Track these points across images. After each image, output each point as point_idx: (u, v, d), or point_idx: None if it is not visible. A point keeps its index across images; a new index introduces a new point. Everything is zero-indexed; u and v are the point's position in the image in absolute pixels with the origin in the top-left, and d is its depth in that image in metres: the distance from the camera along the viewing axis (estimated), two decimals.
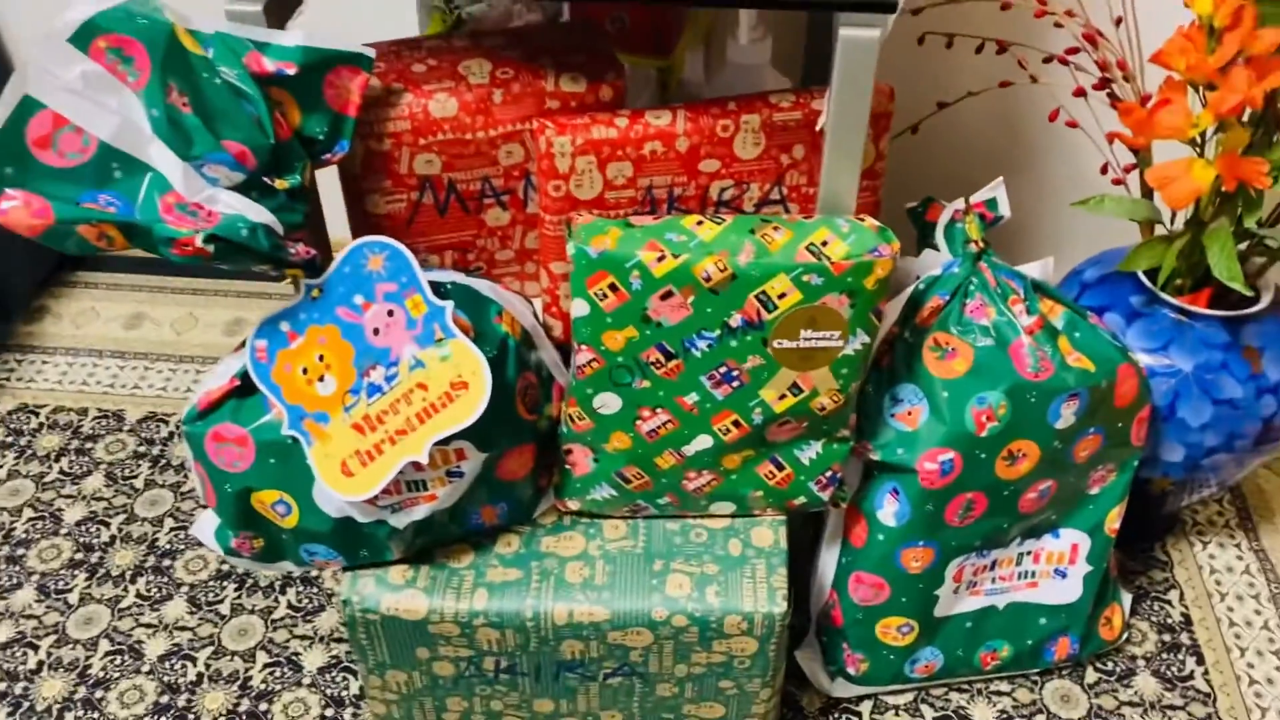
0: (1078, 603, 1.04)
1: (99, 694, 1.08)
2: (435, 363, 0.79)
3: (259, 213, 0.75)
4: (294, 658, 1.11)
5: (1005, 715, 1.07)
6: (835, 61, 0.75)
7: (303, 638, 1.13)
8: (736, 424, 0.85)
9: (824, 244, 0.79)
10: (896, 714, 1.07)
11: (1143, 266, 0.99)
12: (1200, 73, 0.87)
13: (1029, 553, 1.02)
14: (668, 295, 0.79)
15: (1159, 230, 1.03)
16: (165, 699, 1.08)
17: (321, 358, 0.80)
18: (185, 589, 1.17)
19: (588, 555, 0.91)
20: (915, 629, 1.00)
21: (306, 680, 1.09)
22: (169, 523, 1.24)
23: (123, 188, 0.72)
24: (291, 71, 0.78)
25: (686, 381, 0.83)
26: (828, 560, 1.01)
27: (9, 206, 0.69)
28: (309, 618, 1.15)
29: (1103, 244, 1.19)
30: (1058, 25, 1.00)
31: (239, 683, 1.09)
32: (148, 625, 1.14)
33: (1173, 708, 1.07)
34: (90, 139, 0.70)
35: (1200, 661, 1.11)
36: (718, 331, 0.81)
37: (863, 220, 0.81)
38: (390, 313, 0.79)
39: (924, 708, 1.07)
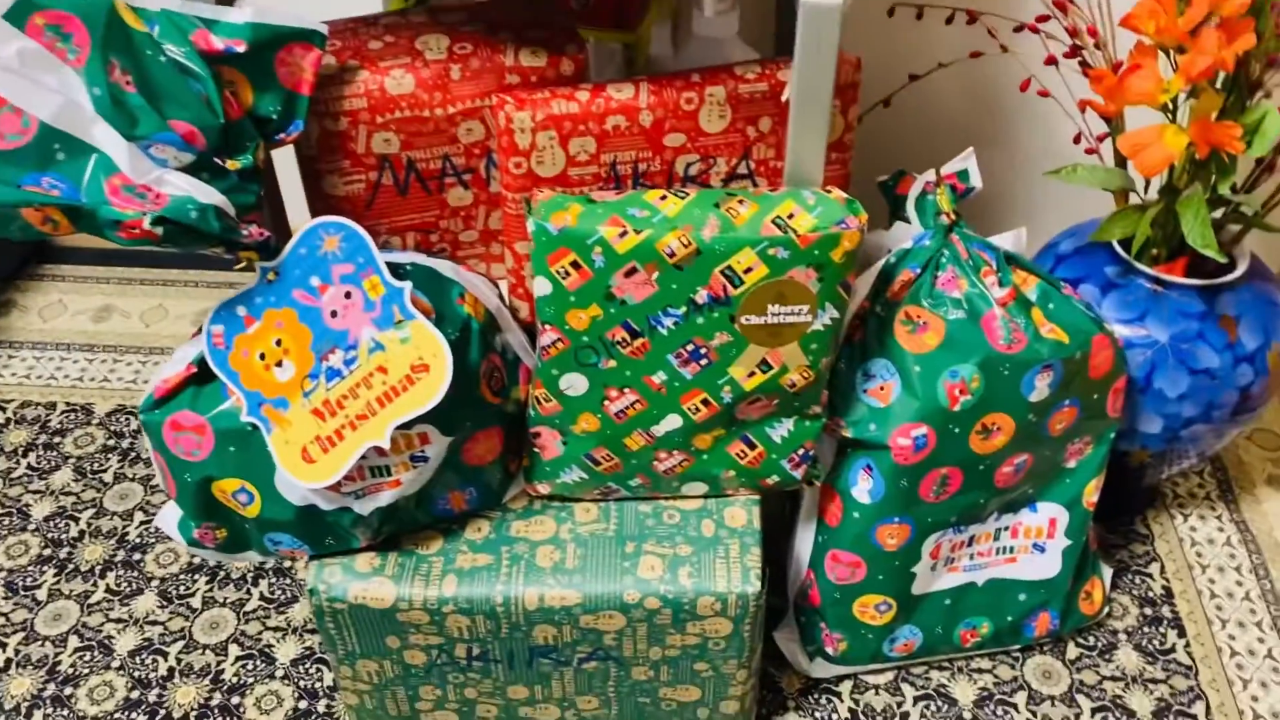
0: (1057, 578, 1.03)
1: (68, 691, 1.06)
2: (395, 345, 0.77)
3: (209, 194, 0.73)
4: (267, 650, 1.10)
5: (986, 692, 1.06)
6: (798, 30, 0.74)
7: (276, 630, 1.12)
8: (706, 403, 0.84)
9: (790, 217, 0.78)
10: (877, 693, 1.06)
11: (1116, 236, 0.98)
12: (1170, 35, 0.85)
13: (1007, 528, 1.01)
14: (632, 272, 0.78)
15: (1133, 199, 1.02)
16: (136, 694, 1.06)
17: (279, 342, 0.79)
18: (156, 583, 1.16)
19: (559, 539, 0.89)
20: (893, 607, 0.99)
21: (279, 673, 1.08)
22: (139, 516, 1.22)
23: (66, 170, 0.70)
24: (241, 49, 0.76)
25: (653, 360, 0.82)
26: (804, 540, 1.00)
27: None
28: (282, 609, 1.13)
29: (1077, 215, 1.17)
30: None
31: (211, 676, 1.08)
32: (118, 620, 1.12)
33: (1155, 681, 1.07)
34: (30, 120, 0.68)
35: (1182, 634, 1.11)
36: (684, 308, 0.79)
37: (829, 192, 0.80)
38: (348, 295, 0.78)
39: (904, 687, 1.06)
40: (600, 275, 0.78)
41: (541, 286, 0.79)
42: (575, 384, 0.84)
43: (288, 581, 1.16)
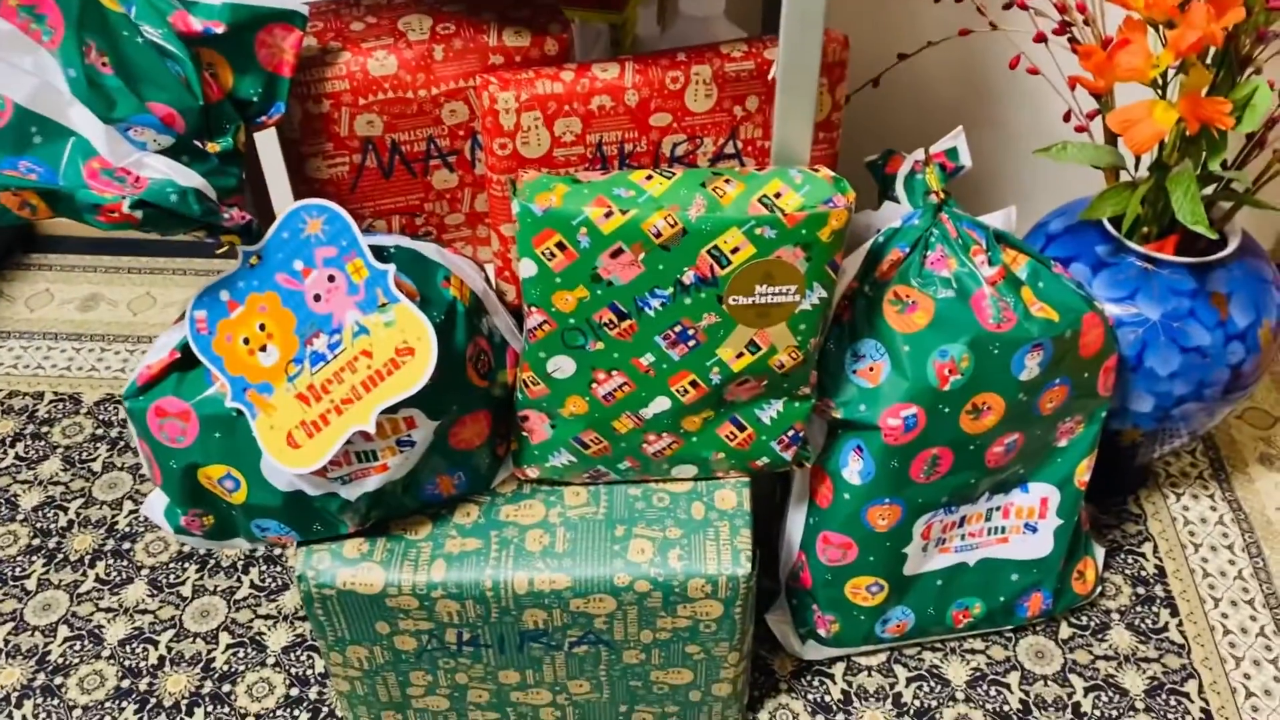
0: (1049, 557, 1.03)
1: (58, 680, 1.06)
2: (379, 329, 0.76)
3: (189, 177, 0.72)
4: (258, 638, 1.09)
5: (979, 673, 1.06)
6: (784, 7, 0.73)
7: (266, 617, 1.11)
8: (694, 384, 0.83)
9: (777, 196, 0.77)
10: (869, 675, 1.06)
11: (1106, 214, 0.97)
12: (1159, 10, 0.85)
13: (998, 508, 1.01)
14: (618, 253, 0.77)
15: (1123, 177, 1.02)
16: (126, 683, 1.06)
17: (263, 327, 0.78)
18: (146, 571, 1.15)
19: (548, 523, 0.89)
20: (885, 588, 0.99)
21: (270, 660, 1.08)
22: (128, 505, 1.22)
23: (44, 153, 0.69)
24: (220, 30, 0.75)
25: (641, 342, 0.81)
26: (795, 521, 1.00)
27: None
28: (272, 597, 1.13)
29: (1067, 193, 1.17)
30: None
31: (201, 664, 1.07)
32: (108, 609, 1.12)
33: (1147, 660, 1.07)
34: (5, 102, 0.67)
35: (1174, 613, 1.11)
36: (671, 289, 0.79)
37: (817, 171, 0.79)
38: (331, 278, 0.77)
39: (897, 668, 1.06)
40: (586, 256, 0.77)
41: (527, 268, 0.79)
42: (563, 366, 0.83)
43: (278, 569, 1.15)
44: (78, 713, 1.03)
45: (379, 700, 0.96)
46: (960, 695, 1.04)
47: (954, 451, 0.93)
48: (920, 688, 1.05)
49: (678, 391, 0.84)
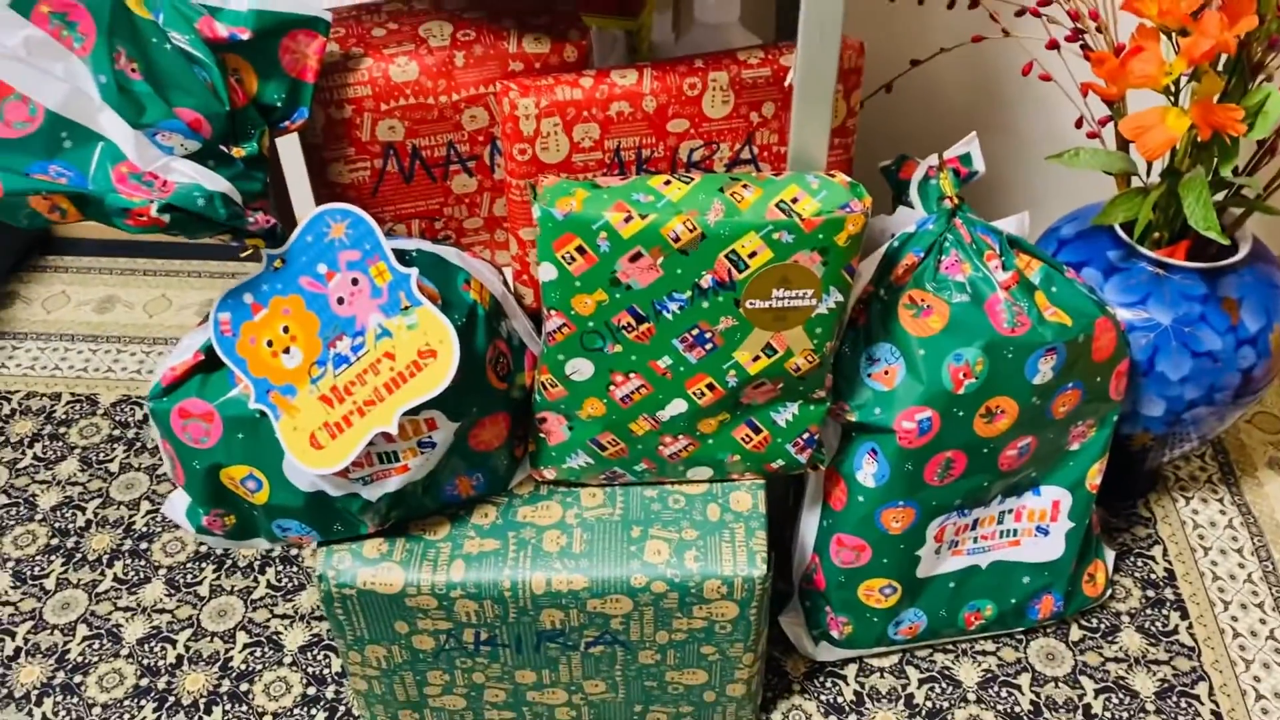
0: (1060, 560, 1.04)
1: (78, 679, 1.07)
2: (402, 331, 0.77)
3: (215, 181, 0.73)
4: (275, 637, 1.10)
5: (990, 675, 1.07)
6: (801, 14, 0.74)
7: (283, 617, 1.12)
8: (711, 387, 0.84)
9: (794, 201, 0.78)
10: (882, 676, 1.06)
11: (1118, 219, 0.98)
12: (1172, 18, 0.85)
13: (1010, 511, 1.02)
14: (637, 257, 0.78)
15: (1135, 183, 1.02)
16: (145, 681, 1.07)
17: (286, 329, 0.79)
18: (163, 571, 1.16)
19: (565, 524, 0.90)
20: (898, 590, 1.00)
21: (288, 659, 1.08)
22: (145, 506, 1.23)
23: (74, 158, 0.70)
24: (245, 36, 0.76)
25: (659, 345, 0.82)
26: (809, 524, 1.01)
27: None
28: (289, 597, 1.14)
29: (1079, 199, 1.18)
30: None
31: (219, 664, 1.08)
32: (126, 609, 1.13)
33: (1157, 662, 1.07)
34: (37, 108, 0.68)
35: (1184, 616, 1.11)
36: (689, 293, 0.80)
37: (833, 176, 0.80)
38: (354, 281, 0.78)
39: (909, 669, 1.07)
40: (605, 260, 0.78)
41: (547, 272, 0.80)
42: (581, 369, 0.84)
43: (294, 569, 1.16)
44: (97, 710, 1.04)
45: (396, 699, 0.97)
46: (972, 696, 1.05)
47: (968, 455, 0.93)
48: (932, 689, 1.05)
49: (694, 394, 0.85)
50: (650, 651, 0.92)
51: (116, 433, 1.31)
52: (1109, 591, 1.11)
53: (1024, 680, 1.06)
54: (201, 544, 1.19)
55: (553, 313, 0.82)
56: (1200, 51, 0.83)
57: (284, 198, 0.91)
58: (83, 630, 1.11)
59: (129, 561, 1.17)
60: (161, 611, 1.13)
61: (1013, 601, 1.05)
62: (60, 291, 1.52)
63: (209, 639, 1.10)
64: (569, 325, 0.82)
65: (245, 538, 0.88)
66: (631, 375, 0.84)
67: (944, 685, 1.06)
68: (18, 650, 1.09)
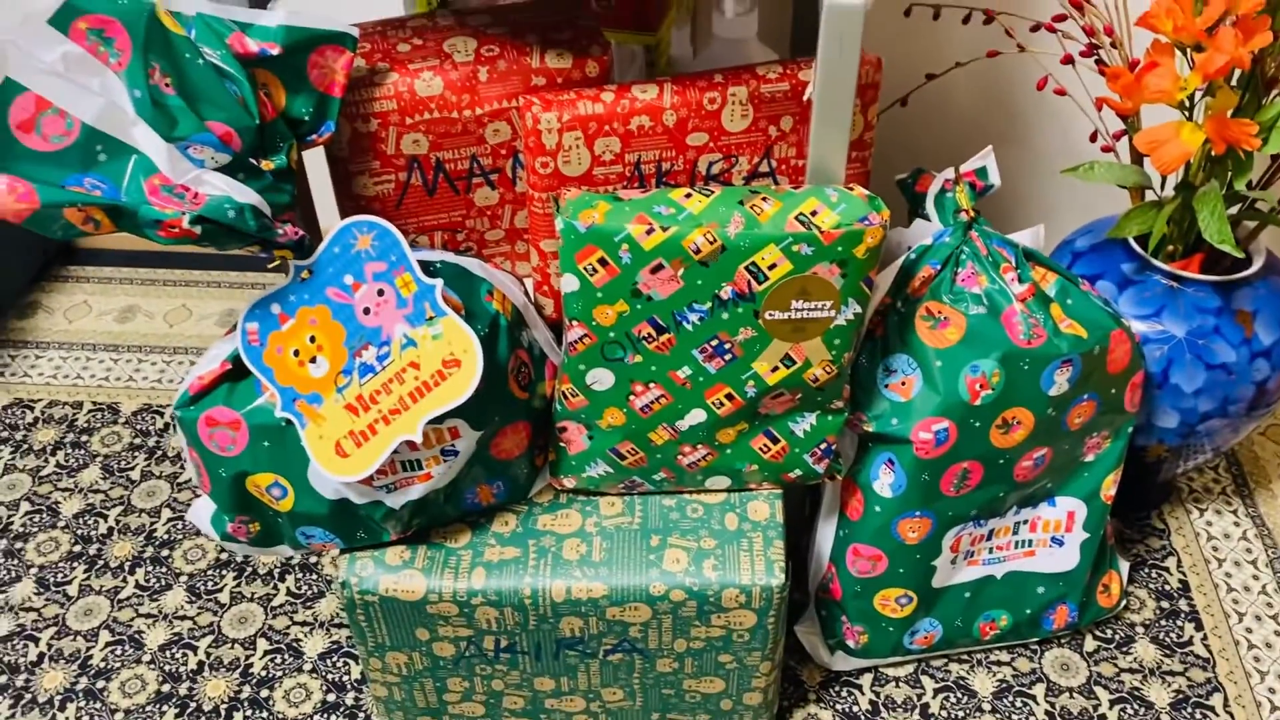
0: (1075, 571, 1.04)
1: (100, 684, 1.08)
2: (427, 341, 0.79)
3: (245, 194, 0.75)
4: (295, 644, 1.11)
5: (1005, 685, 1.07)
6: (821, 30, 0.75)
7: (303, 624, 1.13)
8: (730, 397, 0.85)
9: (813, 214, 0.79)
10: (897, 686, 1.07)
11: (1133, 232, 0.99)
12: (1187, 34, 0.86)
13: (1026, 521, 1.03)
14: (658, 268, 0.79)
15: (1149, 196, 1.03)
16: (167, 688, 1.08)
17: (313, 339, 0.80)
18: (184, 578, 1.18)
19: (585, 532, 0.91)
20: (914, 600, 1.01)
21: (308, 666, 1.10)
22: (166, 513, 1.24)
23: (108, 170, 0.72)
24: (275, 52, 0.78)
25: (679, 355, 0.83)
26: (825, 533, 1.01)
27: None
28: (309, 604, 1.15)
29: (1094, 213, 1.18)
30: None
31: (240, 670, 1.09)
32: (147, 615, 1.14)
33: (1172, 673, 1.08)
34: (73, 121, 0.70)
35: (1199, 627, 1.12)
36: (709, 304, 0.81)
37: (852, 189, 0.81)
38: (380, 292, 0.79)
39: (924, 679, 1.08)
40: (627, 272, 0.79)
41: (569, 283, 0.81)
42: (602, 379, 0.85)
43: (314, 577, 1.17)
44: (120, 716, 1.05)
45: (415, 706, 0.98)
46: (986, 707, 1.05)
47: (984, 465, 0.94)
48: (947, 699, 1.06)
49: (714, 404, 0.85)
50: (668, 660, 0.93)
51: (137, 441, 1.33)
52: (1124, 602, 1.12)
53: (1039, 690, 1.07)
54: (222, 551, 1.20)
55: (574, 323, 0.83)
56: (1215, 67, 0.84)
57: (310, 210, 0.93)
58: (105, 636, 1.12)
59: (150, 568, 1.19)
60: (183, 618, 1.14)
61: (1028, 612, 1.05)
62: (82, 301, 1.54)
63: (230, 645, 1.11)
64: (590, 336, 0.83)
65: (269, 545, 0.90)
66: (651, 385, 0.85)
67: (959, 695, 1.06)
68: (41, 656, 1.11)
